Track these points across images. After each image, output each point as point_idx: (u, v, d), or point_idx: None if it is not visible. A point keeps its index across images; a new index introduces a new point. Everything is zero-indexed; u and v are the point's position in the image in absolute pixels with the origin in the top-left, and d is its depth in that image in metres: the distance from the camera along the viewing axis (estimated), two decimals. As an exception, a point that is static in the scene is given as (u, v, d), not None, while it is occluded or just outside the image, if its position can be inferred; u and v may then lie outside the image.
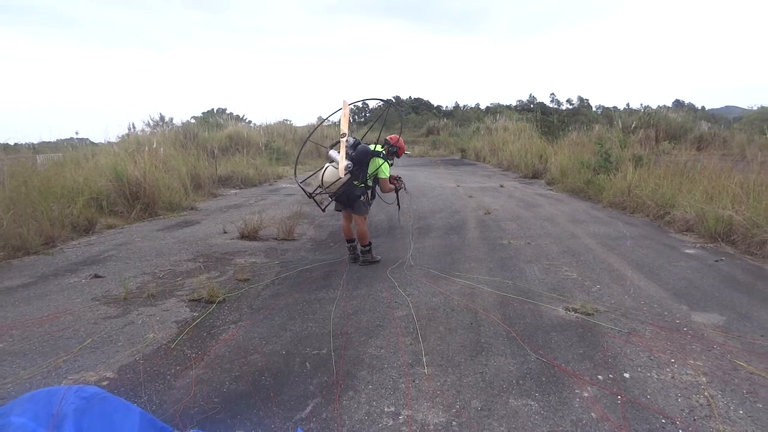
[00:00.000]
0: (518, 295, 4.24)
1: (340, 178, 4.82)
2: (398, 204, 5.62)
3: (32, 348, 3.34)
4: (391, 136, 5.47)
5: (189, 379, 2.90)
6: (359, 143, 5.14)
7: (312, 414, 2.52)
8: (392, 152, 5.36)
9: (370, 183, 5.22)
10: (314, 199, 5.29)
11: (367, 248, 5.33)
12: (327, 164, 5.08)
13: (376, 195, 5.46)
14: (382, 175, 5.17)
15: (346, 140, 4.97)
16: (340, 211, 5.35)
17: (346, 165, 4.81)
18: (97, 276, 4.98)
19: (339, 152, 4.91)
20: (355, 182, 5.02)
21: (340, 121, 5.36)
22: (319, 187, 5.09)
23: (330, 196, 5.13)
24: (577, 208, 8.83)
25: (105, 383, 2.83)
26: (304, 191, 5.17)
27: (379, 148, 5.22)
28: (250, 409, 2.57)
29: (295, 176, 5.38)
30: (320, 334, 3.54)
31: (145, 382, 2.86)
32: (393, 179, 5.35)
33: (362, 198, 5.15)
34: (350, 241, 5.42)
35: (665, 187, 7.92)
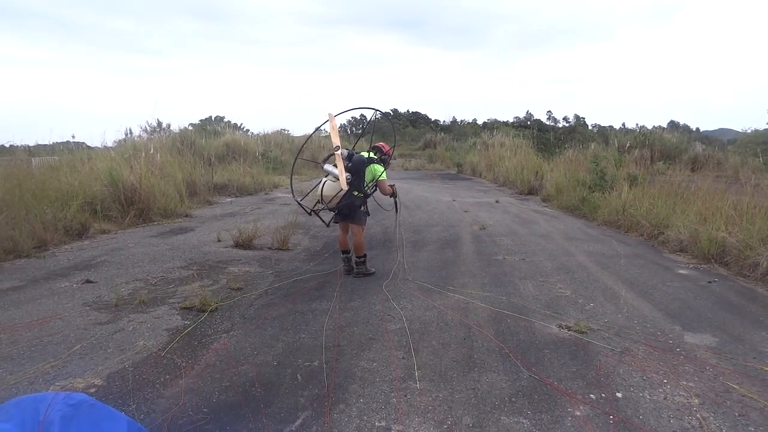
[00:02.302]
0: (512, 312, 4.24)
1: (342, 190, 4.84)
2: (396, 209, 5.67)
3: (20, 352, 3.29)
4: (381, 144, 5.53)
5: (178, 389, 2.87)
6: (354, 154, 5.16)
7: (302, 427, 2.49)
8: (383, 159, 5.40)
9: (369, 191, 5.25)
10: (319, 216, 5.31)
11: (362, 260, 5.32)
12: (323, 179, 5.09)
13: (376, 203, 5.46)
14: (382, 177, 5.23)
15: (341, 152, 4.98)
16: (338, 222, 5.36)
17: (346, 177, 4.83)
18: (88, 281, 4.94)
19: (335, 166, 4.92)
20: (355, 192, 5.04)
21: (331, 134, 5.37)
22: (318, 202, 5.12)
23: (332, 210, 5.14)
24: (572, 226, 8.86)
25: (93, 390, 2.79)
26: (304, 209, 5.20)
27: (372, 155, 5.28)
28: (239, 420, 2.54)
29: (293, 194, 5.38)
30: (312, 345, 3.52)
31: (134, 390, 2.83)
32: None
33: (362, 208, 5.20)
34: (345, 252, 5.42)
35: (659, 207, 7.96)
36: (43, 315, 4.01)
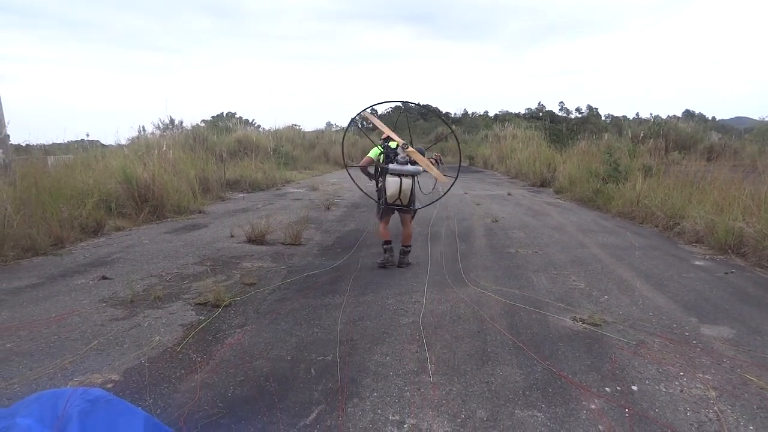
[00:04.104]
0: (525, 305, 4.22)
1: (411, 186, 5.19)
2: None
3: (39, 348, 3.35)
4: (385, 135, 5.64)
5: (194, 383, 2.90)
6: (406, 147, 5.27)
7: (316, 421, 2.51)
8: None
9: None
10: (413, 210, 5.49)
11: (409, 249, 5.55)
12: (395, 179, 5.13)
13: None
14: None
15: (402, 147, 5.15)
16: (385, 214, 5.46)
17: (413, 170, 5.10)
18: (104, 278, 5.01)
19: (403, 163, 5.12)
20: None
21: (387, 136, 5.44)
22: (395, 202, 5.27)
23: (408, 206, 5.31)
24: (586, 218, 8.78)
25: (110, 385, 2.83)
26: (409, 209, 5.39)
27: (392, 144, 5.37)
28: (254, 414, 2.56)
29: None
30: (326, 340, 3.53)
31: (150, 386, 2.86)
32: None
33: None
34: (388, 242, 5.49)
35: (675, 198, 7.85)
36: (61, 311, 4.07)
